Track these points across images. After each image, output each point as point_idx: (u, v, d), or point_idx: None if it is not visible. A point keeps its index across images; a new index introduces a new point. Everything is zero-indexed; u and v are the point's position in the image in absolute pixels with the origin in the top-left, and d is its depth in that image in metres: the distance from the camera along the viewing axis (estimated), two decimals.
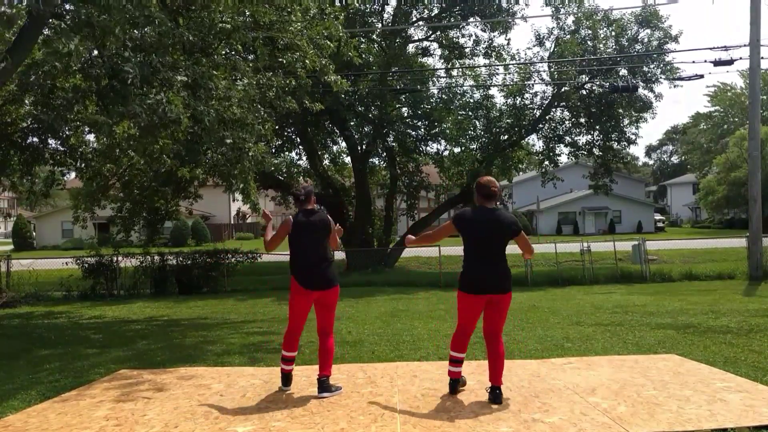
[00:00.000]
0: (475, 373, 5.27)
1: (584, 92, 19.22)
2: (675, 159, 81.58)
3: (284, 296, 13.28)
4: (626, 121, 19.46)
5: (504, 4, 18.17)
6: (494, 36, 19.11)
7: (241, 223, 52.58)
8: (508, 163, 19.34)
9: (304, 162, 21.00)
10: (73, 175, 13.38)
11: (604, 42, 18.76)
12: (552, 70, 19.21)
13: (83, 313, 11.26)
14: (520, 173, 31.12)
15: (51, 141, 10.86)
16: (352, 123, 18.19)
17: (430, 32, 19.85)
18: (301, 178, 21.06)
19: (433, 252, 19.72)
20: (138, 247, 16.34)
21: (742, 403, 4.12)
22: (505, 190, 28.79)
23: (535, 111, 19.78)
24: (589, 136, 19.99)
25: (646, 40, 18.54)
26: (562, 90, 18.84)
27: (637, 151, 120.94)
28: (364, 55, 13.60)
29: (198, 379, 5.37)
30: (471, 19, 18.82)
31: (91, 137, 11.47)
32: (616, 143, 19.91)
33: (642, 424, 3.77)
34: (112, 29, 6.07)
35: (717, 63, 15.03)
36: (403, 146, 18.89)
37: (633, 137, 19.62)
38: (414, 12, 19.19)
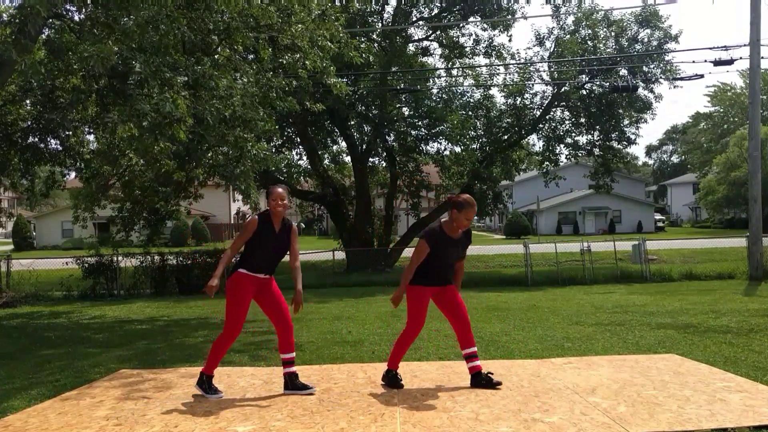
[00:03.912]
0: None
1: (584, 92, 19.22)
2: (675, 159, 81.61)
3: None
4: (626, 121, 19.47)
5: (504, 3, 18.19)
6: (494, 35, 19.15)
7: (241, 223, 52.58)
8: (509, 163, 19.35)
9: (304, 162, 21.03)
10: (73, 175, 13.40)
11: (604, 42, 18.76)
12: (552, 70, 19.21)
13: (83, 313, 11.26)
14: (520, 173, 31.12)
15: (51, 141, 10.89)
16: (352, 123, 18.19)
17: (430, 32, 19.86)
18: (302, 178, 21.06)
19: None
20: (138, 247, 16.35)
21: (742, 403, 4.12)
22: (506, 190, 28.98)
23: (535, 111, 19.79)
24: (590, 136, 20.00)
25: (646, 40, 18.55)
26: (562, 90, 18.84)
27: (637, 151, 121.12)
28: (364, 55, 13.59)
29: None
30: (471, 18, 18.84)
31: (91, 137, 11.50)
32: (616, 143, 19.93)
33: (642, 424, 3.77)
34: (134, 30, 6.11)
35: (717, 63, 15.04)
36: (404, 146, 18.90)
37: (633, 137, 19.64)
38: (414, 12, 19.20)
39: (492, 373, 4.83)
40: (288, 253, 4.85)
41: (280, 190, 4.75)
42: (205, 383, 4.75)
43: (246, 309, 4.75)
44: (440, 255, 4.75)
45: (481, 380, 4.74)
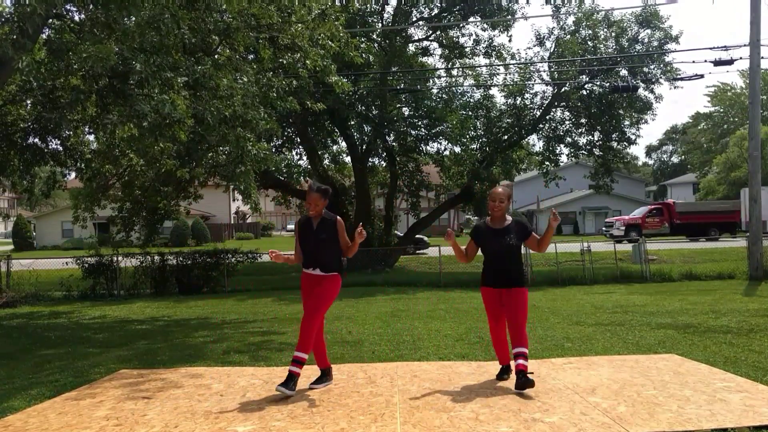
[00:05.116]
0: (476, 373, 5.27)
1: (584, 92, 19.23)
2: (675, 159, 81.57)
3: (284, 296, 13.28)
4: (627, 122, 19.47)
5: (504, 3, 18.19)
6: (494, 35, 19.18)
7: (241, 223, 52.59)
8: (509, 163, 19.36)
9: (304, 162, 21.04)
10: (73, 175, 13.40)
11: (604, 42, 18.77)
12: (552, 70, 19.22)
13: (83, 313, 11.26)
14: (521, 173, 31.17)
15: (51, 141, 10.88)
16: (352, 123, 18.19)
17: (430, 32, 19.86)
18: (302, 178, 21.08)
19: (433, 252, 19.73)
20: (138, 247, 16.35)
21: (742, 403, 4.12)
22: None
23: (535, 111, 19.79)
24: (590, 137, 20.00)
25: (646, 40, 18.56)
26: (563, 90, 18.84)
27: (637, 151, 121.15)
28: (364, 55, 13.59)
29: (198, 378, 5.37)
30: (471, 19, 18.84)
31: (91, 137, 11.51)
32: (617, 143, 19.93)
33: (642, 424, 3.77)
34: (134, 30, 6.12)
35: (717, 63, 15.06)
36: (404, 146, 18.90)
37: (633, 137, 19.65)
38: (414, 12, 19.20)
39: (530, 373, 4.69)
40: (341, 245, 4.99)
41: (313, 195, 4.89)
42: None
43: (304, 301, 4.96)
44: (487, 245, 4.90)
45: (518, 379, 4.56)
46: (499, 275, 4.85)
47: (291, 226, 64.11)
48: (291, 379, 4.64)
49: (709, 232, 26.83)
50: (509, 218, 4.94)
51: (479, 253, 5.13)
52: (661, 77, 18.56)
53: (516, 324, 4.71)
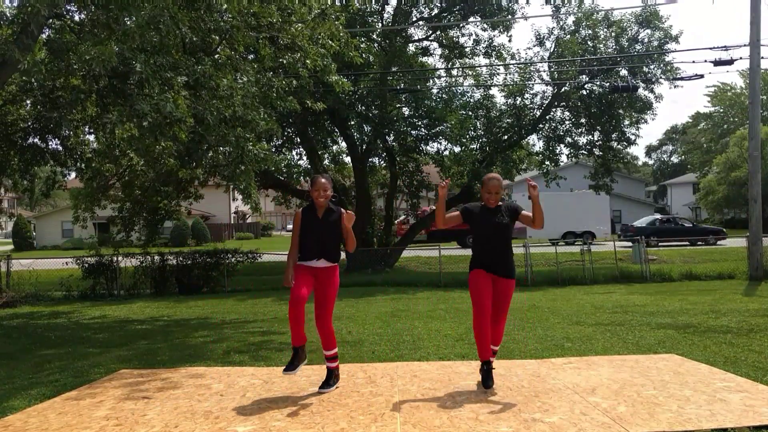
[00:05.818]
0: (476, 373, 5.27)
1: (584, 92, 19.23)
2: (675, 159, 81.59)
3: (284, 296, 13.28)
4: (626, 122, 19.48)
5: (504, 3, 18.20)
6: (494, 35, 19.17)
7: (241, 223, 52.59)
8: (509, 163, 19.36)
9: (304, 162, 21.04)
10: (73, 175, 13.40)
11: (604, 42, 18.77)
12: (552, 70, 19.22)
13: (83, 313, 11.26)
14: (521, 173, 31.10)
15: (51, 141, 10.89)
16: (352, 123, 18.20)
17: (430, 32, 19.86)
18: (302, 178, 21.08)
19: (433, 252, 19.74)
20: (138, 247, 16.36)
21: (742, 403, 4.12)
22: (506, 190, 29.08)
23: (535, 111, 19.79)
24: (590, 137, 20.00)
25: (646, 40, 18.56)
26: (563, 90, 18.84)
27: (637, 151, 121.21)
28: (364, 55, 13.58)
29: (198, 378, 5.37)
30: (471, 19, 18.84)
31: (91, 137, 11.51)
32: (616, 143, 19.93)
33: (642, 424, 3.77)
34: (134, 31, 6.12)
35: (717, 63, 15.08)
36: (404, 146, 18.90)
37: (633, 137, 19.65)
38: (414, 12, 19.20)
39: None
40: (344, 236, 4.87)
41: (322, 180, 4.78)
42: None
43: (301, 288, 4.66)
44: (479, 223, 4.80)
45: (484, 370, 4.75)
46: (493, 258, 4.77)
47: (290, 226, 63.97)
48: (331, 376, 4.89)
49: (467, 240, 26.89)
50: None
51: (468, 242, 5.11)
52: (661, 77, 18.57)
53: (501, 318, 4.85)
